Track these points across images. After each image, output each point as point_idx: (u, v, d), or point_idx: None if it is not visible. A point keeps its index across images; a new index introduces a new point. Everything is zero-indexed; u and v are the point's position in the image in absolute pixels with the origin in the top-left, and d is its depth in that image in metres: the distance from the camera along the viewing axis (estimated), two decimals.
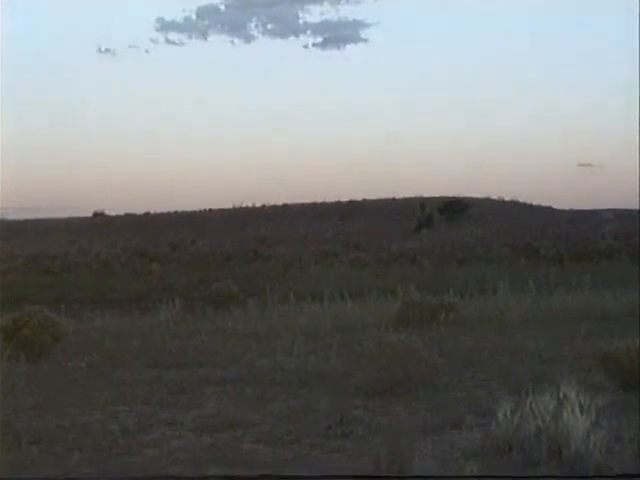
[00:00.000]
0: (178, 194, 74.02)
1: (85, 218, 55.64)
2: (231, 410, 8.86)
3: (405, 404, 8.94)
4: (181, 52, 70.60)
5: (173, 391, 9.93)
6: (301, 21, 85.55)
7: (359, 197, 54.95)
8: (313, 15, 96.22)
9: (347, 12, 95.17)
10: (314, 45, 77.13)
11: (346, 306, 17.62)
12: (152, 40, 69.41)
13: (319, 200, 54.66)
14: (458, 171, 69.39)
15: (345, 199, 54.60)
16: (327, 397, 9.30)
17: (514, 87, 69.56)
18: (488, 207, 49.33)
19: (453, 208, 46.75)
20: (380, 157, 71.85)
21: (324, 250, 36.56)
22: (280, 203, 55.11)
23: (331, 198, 54.86)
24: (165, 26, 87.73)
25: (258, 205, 55.33)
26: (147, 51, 77.77)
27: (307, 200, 54.80)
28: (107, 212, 57.32)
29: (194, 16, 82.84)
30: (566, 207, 48.85)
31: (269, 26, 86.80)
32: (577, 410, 6.85)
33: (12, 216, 54.22)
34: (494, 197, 52.82)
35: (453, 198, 48.74)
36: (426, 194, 51.60)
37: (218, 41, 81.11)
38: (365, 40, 74.47)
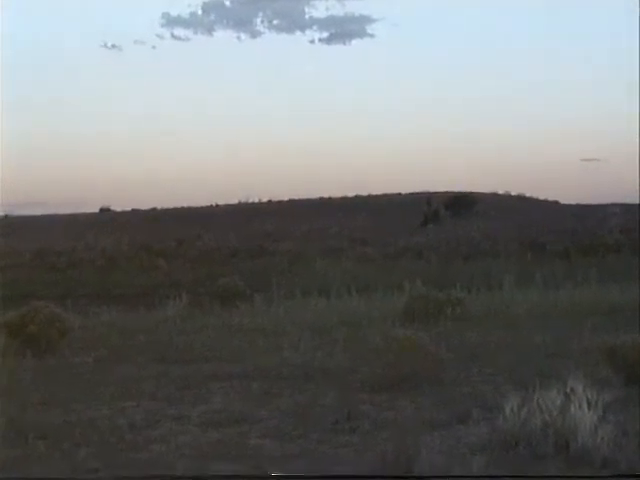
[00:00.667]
0: (184, 190, 74.16)
1: (91, 214, 55.68)
2: (238, 405, 8.87)
3: (412, 399, 8.93)
4: (187, 48, 70.46)
5: (180, 386, 9.94)
6: (307, 16, 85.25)
7: (365, 192, 54.89)
8: (319, 10, 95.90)
9: (353, 7, 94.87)
10: (320, 40, 76.60)
11: (352, 301, 17.60)
12: (158, 36, 69.57)
13: (325, 195, 54.65)
14: (464, 166, 69.28)
15: (351, 194, 54.57)
16: (334, 392, 9.30)
17: (520, 82, 69.35)
18: (494, 202, 49.23)
19: (459, 203, 46.64)
20: (386, 152, 71.70)
21: (330, 245, 36.53)
22: (286, 198, 55.08)
23: (337, 193, 54.84)
24: (171, 21, 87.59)
25: (264, 200, 55.30)
26: (153, 47, 77.57)
27: (313, 195, 54.79)
28: (113, 208, 57.37)
29: (200, 11, 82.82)
30: (572, 202, 48.75)
31: (275, 21, 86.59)
32: (584, 405, 6.84)
33: (18, 212, 54.33)
34: (500, 192, 52.74)
35: (459, 193, 48.63)
36: (432, 189, 51.57)
37: (224, 36, 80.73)
38: (371, 35, 74.20)
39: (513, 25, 70.25)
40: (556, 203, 50.15)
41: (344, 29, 79.32)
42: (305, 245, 37.06)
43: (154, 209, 55.18)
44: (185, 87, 72.12)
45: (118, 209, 56.86)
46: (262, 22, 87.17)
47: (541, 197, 51.56)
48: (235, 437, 7.68)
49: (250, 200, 54.94)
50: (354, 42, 73.34)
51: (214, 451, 7.16)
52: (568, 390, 7.00)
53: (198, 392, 9.66)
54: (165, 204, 55.76)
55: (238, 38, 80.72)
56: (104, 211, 57.12)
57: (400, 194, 53.72)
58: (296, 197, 54.97)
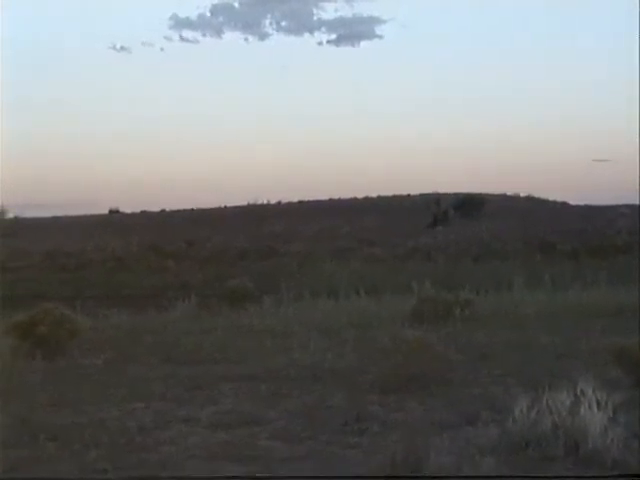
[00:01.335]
0: (193, 191, 74.16)
1: (101, 215, 55.71)
2: (247, 406, 8.87)
3: (421, 400, 8.93)
4: (195, 49, 70.45)
5: (189, 388, 9.95)
6: (315, 18, 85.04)
7: (374, 193, 54.83)
8: (327, 12, 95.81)
9: (362, 8, 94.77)
10: (328, 42, 76.56)
11: (361, 302, 17.61)
12: (166, 37, 69.48)
13: (334, 196, 54.62)
14: (473, 167, 69.15)
15: (360, 195, 54.52)
16: (342, 393, 9.30)
17: (531, 82, 69.24)
18: (503, 203, 49.14)
19: (468, 204, 46.55)
20: (395, 153, 71.63)
21: (339, 246, 36.51)
22: (295, 200, 55.06)
23: (346, 194, 54.81)
24: (179, 23, 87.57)
25: (273, 202, 55.29)
26: (161, 48, 77.59)
27: (322, 197, 54.76)
28: (122, 209, 57.39)
29: (208, 13, 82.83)
30: (581, 203, 48.57)
31: (283, 23, 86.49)
32: (594, 406, 6.83)
33: (28, 213, 54.42)
34: (509, 193, 52.63)
35: (468, 194, 48.53)
36: (441, 190, 51.44)
37: (232, 38, 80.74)
38: (380, 36, 74.05)
39: (523, 25, 70.09)
40: (565, 204, 50.02)
41: (353, 30, 79.10)
42: (314, 246, 37.05)
43: (163, 210, 55.21)
44: (193, 89, 72.17)
45: (127, 210, 56.91)
46: (270, 24, 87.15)
47: (550, 198, 51.44)
48: (244, 438, 7.68)
49: (259, 201, 54.94)
50: (363, 43, 73.32)
51: (223, 452, 7.17)
52: (578, 391, 6.99)
53: (207, 393, 9.67)
54: (174, 205, 55.84)
55: (246, 40, 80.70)
56: (113, 212, 57.17)
57: (409, 195, 53.64)
58: (305, 198, 54.95)
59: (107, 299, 23.36)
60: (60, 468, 6.81)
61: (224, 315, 17.10)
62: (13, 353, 11.93)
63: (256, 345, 12.93)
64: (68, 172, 68.01)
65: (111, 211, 57.38)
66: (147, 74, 70.99)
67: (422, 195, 52.24)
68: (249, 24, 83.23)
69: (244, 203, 54.98)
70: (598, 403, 6.85)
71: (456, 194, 48.90)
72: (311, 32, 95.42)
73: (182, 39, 72.12)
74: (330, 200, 54.01)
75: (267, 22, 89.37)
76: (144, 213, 54.58)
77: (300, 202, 54.54)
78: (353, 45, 74.79)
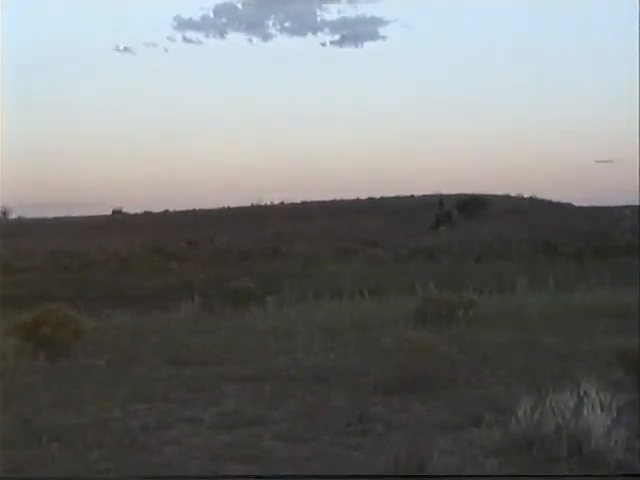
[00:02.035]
0: (196, 192, 74.25)
1: (104, 216, 55.83)
2: (250, 407, 8.87)
3: (424, 401, 8.92)
4: (199, 50, 70.56)
5: (192, 388, 9.95)
6: (319, 19, 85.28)
7: (377, 194, 54.93)
8: (331, 13, 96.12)
9: (365, 9, 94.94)
10: (332, 43, 76.81)
11: (364, 303, 17.60)
12: (169, 38, 69.65)
13: (337, 197, 54.71)
14: (476, 168, 69.20)
15: (363, 196, 54.61)
16: (346, 394, 9.30)
17: (534, 83, 69.26)
18: (507, 204, 49.19)
19: (471, 205, 46.64)
20: (398, 154, 71.68)
21: (342, 247, 36.54)
22: (298, 201, 55.16)
23: (349, 195, 54.91)
24: (182, 24, 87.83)
25: (276, 202, 55.40)
26: (165, 49, 77.68)
27: (325, 198, 54.85)
28: (126, 210, 57.52)
29: (211, 14, 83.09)
30: (585, 204, 48.65)
31: (287, 24, 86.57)
32: (597, 407, 6.82)
33: (31, 214, 54.51)
34: (513, 194, 52.69)
35: (471, 195, 48.61)
36: (444, 191, 51.52)
37: (236, 39, 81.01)
38: (383, 37, 74.24)
39: (525, 26, 70.11)
40: (569, 205, 50.04)
41: (356, 31, 79.24)
42: (317, 247, 37.07)
43: (166, 211, 55.32)
44: (197, 89, 72.24)
45: (131, 211, 57.04)
46: (274, 25, 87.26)
47: (554, 199, 51.48)
48: (247, 439, 7.68)
49: (262, 202, 55.07)
50: (366, 44, 73.55)
51: (226, 453, 7.17)
52: (581, 392, 6.98)
53: (210, 394, 9.66)
54: (177, 206, 55.94)
55: (250, 41, 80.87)
56: (117, 213, 57.27)
57: (412, 196, 53.74)
58: (308, 199, 55.06)
59: (110, 299, 23.38)
60: (63, 468, 6.81)
61: (227, 316, 17.10)
62: (16, 353, 11.93)
63: (259, 346, 12.92)
64: (71, 172, 68.15)
65: (114, 211, 57.49)
66: (150, 75, 71.12)
67: (425, 196, 52.30)
68: (252, 25, 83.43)
69: (247, 204, 55.11)
70: (601, 404, 6.84)
71: (459, 195, 48.98)
72: (314, 33, 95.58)
73: (185, 40, 72.30)
74: (333, 201, 54.11)
75: (270, 23, 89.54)
76: (147, 214, 54.67)
77: (303, 203, 54.65)
78: (356, 46, 74.90)
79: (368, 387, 9.58)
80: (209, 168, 71.82)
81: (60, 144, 67.78)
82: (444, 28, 72.04)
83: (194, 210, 55.06)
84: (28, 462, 7.00)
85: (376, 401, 8.98)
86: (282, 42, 72.18)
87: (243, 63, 75.18)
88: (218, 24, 78.66)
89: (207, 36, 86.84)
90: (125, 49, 75.89)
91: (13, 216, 55.28)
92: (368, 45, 78.64)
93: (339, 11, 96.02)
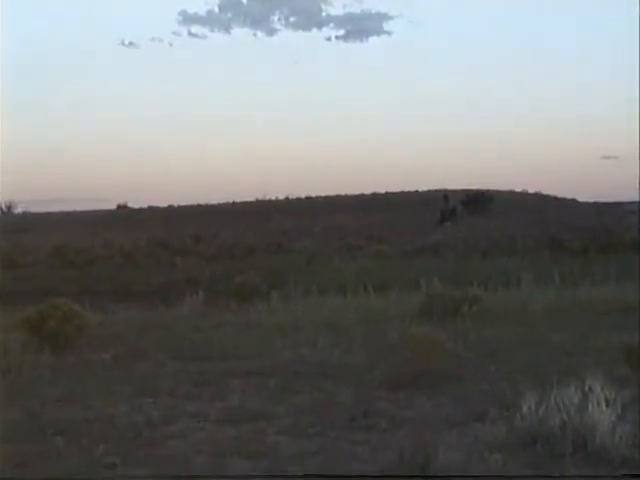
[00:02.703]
0: (201, 187, 74.37)
1: (109, 211, 55.93)
2: (255, 402, 8.87)
3: (429, 397, 8.92)
4: (204, 45, 70.85)
5: (197, 383, 9.96)
6: (324, 13, 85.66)
7: (382, 190, 54.92)
8: (336, 7, 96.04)
9: (370, 4, 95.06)
10: (337, 37, 77.15)
11: (369, 299, 17.59)
12: (175, 33, 69.90)
13: (342, 193, 54.73)
14: (482, 164, 69.21)
15: (368, 192, 54.61)
16: (351, 389, 9.30)
17: (540, 80, 69.25)
18: (512, 199, 49.19)
19: (477, 201, 46.64)
20: (403, 150, 71.73)
21: (347, 243, 36.57)
22: (303, 196, 55.18)
23: (354, 191, 54.96)
24: (188, 19, 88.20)
25: (281, 198, 55.43)
26: (170, 44, 77.82)
27: (330, 193, 54.88)
28: (130, 205, 57.61)
29: (217, 9, 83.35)
30: (590, 199, 48.66)
31: (292, 19, 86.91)
32: (602, 403, 6.82)
33: (36, 209, 54.61)
34: (518, 189, 52.68)
35: (477, 190, 48.60)
36: (450, 187, 51.56)
37: (241, 34, 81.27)
38: (388, 32, 74.48)
39: (531, 23, 70.08)
40: (574, 200, 50.00)
41: (361, 26, 79.53)
42: (322, 242, 37.10)
43: (171, 206, 55.36)
44: (202, 84, 72.35)
45: (135, 206, 57.11)
46: (279, 19, 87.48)
47: (559, 195, 51.45)
48: (252, 434, 7.68)
49: (267, 197, 55.14)
50: (371, 39, 73.68)
51: (231, 448, 7.17)
52: (586, 388, 6.98)
53: (215, 389, 9.67)
54: (182, 201, 56.04)
55: (255, 35, 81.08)
56: (121, 208, 57.34)
57: (417, 192, 53.74)
58: (313, 195, 55.08)
59: (115, 295, 23.41)
60: (68, 463, 6.82)
61: (232, 311, 17.11)
62: (22, 348, 11.95)
63: (264, 341, 12.93)
64: (76, 168, 68.26)
65: (119, 206, 57.56)
66: (156, 69, 71.23)
67: (430, 192, 52.30)
68: (258, 20, 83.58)
69: (252, 199, 55.15)
70: (606, 400, 6.84)
71: (464, 191, 48.95)
72: (319, 28, 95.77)
73: (191, 35, 72.51)
74: (338, 196, 54.12)
75: (275, 18, 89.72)
76: (152, 208, 54.74)
77: (308, 198, 54.65)
78: (361, 41, 75.12)
79: (373, 382, 9.58)
80: (214, 163, 71.96)
81: (65, 139, 67.95)
82: (448, 24, 72.13)
83: (199, 205, 55.15)
84: (33, 456, 7.01)
85: (381, 396, 8.99)
86: (287, 37, 72.40)
87: (248, 58, 75.35)
88: (223, 19, 78.92)
89: (212, 31, 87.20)
90: (130, 44, 76.08)
91: (18, 211, 55.40)
92: (373, 40, 78.95)
93: (344, 6, 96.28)
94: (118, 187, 75.70)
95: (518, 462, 6.48)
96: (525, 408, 7.02)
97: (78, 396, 9.33)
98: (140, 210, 55.43)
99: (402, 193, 53.54)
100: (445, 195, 47.83)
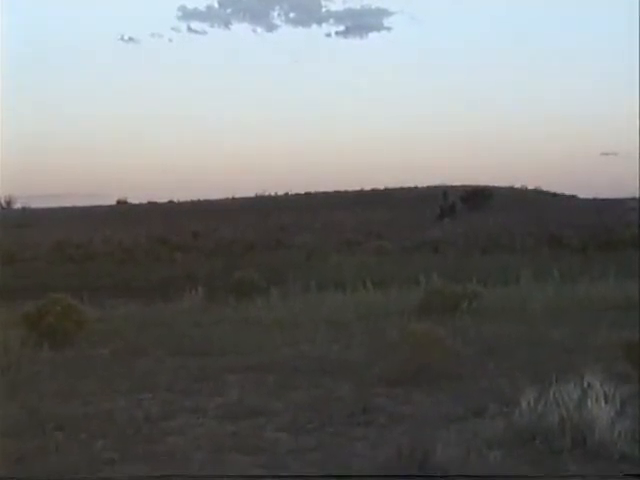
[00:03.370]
0: (201, 182, 74.36)
1: (108, 206, 55.88)
2: (253, 398, 8.87)
3: (428, 393, 8.92)
4: (203, 41, 70.71)
5: (196, 379, 9.96)
6: (324, 9, 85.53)
7: (382, 186, 54.90)
8: (336, 3, 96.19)
9: (370, 0, 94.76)
10: (337, 33, 76.93)
11: (369, 295, 17.59)
12: (174, 29, 69.80)
13: (342, 189, 54.68)
14: (481, 160, 69.20)
15: (368, 188, 54.57)
16: (350, 385, 9.30)
17: (539, 76, 69.21)
18: (511, 196, 49.16)
19: (476, 197, 46.60)
20: (403, 146, 71.69)
21: (347, 239, 36.56)
22: (303, 192, 55.15)
23: (354, 187, 54.90)
24: (187, 15, 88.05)
25: (281, 193, 55.41)
26: (170, 40, 77.73)
27: (330, 189, 54.84)
28: (130, 200, 57.58)
29: (216, 5, 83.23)
30: (590, 196, 48.57)
31: (291, 14, 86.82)
32: (601, 399, 6.81)
33: (36, 204, 54.59)
34: (517, 186, 52.65)
35: (476, 187, 48.56)
36: (449, 183, 51.53)
37: (240, 30, 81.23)
38: (388, 28, 74.27)
39: (531, 19, 70.03)
40: (574, 197, 49.98)
41: (361, 22, 79.40)
42: (321, 239, 37.09)
43: (171, 202, 55.34)
44: (201, 80, 72.29)
45: (135, 202, 57.07)
46: (279, 15, 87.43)
47: (558, 191, 51.42)
48: (251, 430, 7.69)
49: (267, 193, 55.10)
50: (371, 35, 73.52)
51: (230, 443, 7.17)
52: (585, 385, 6.98)
53: (214, 385, 9.67)
54: (182, 197, 55.98)
55: (254, 31, 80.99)
56: (121, 204, 57.31)
57: (416, 187, 53.71)
58: (313, 190, 55.05)
59: (114, 290, 23.42)
60: (67, 458, 6.82)
61: (231, 307, 17.10)
62: (21, 343, 11.94)
63: (263, 337, 12.93)
64: (76, 163, 68.23)
65: (119, 202, 57.53)
66: (155, 65, 71.15)
67: (429, 188, 52.27)
68: (257, 15, 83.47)
69: (252, 195, 55.12)
70: (606, 396, 6.84)
71: (464, 187, 48.92)
72: (319, 24, 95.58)
73: (190, 30, 72.41)
74: (337, 192, 54.07)
75: (275, 14, 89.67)
76: (151, 204, 54.70)
77: (308, 194, 54.62)
78: (361, 37, 75.01)
79: (372, 379, 9.57)
80: (213, 159, 71.92)
81: (64, 134, 67.90)
82: (449, 20, 72.07)
83: (198, 201, 55.11)
84: (32, 451, 7.01)
85: (380, 393, 8.99)
86: (287, 33, 72.36)
87: (248, 54, 75.25)
88: (223, 14, 78.86)
89: (212, 26, 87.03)
90: (130, 39, 76.02)
91: (17, 207, 55.38)
92: (373, 36, 78.80)
93: (344, 2, 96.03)
94: (118, 183, 75.70)
95: (517, 458, 6.48)
96: (524, 404, 7.02)
97: (77, 392, 9.33)
98: (139, 206, 55.38)
99: (401, 189, 53.48)
100: (444, 191, 47.82)
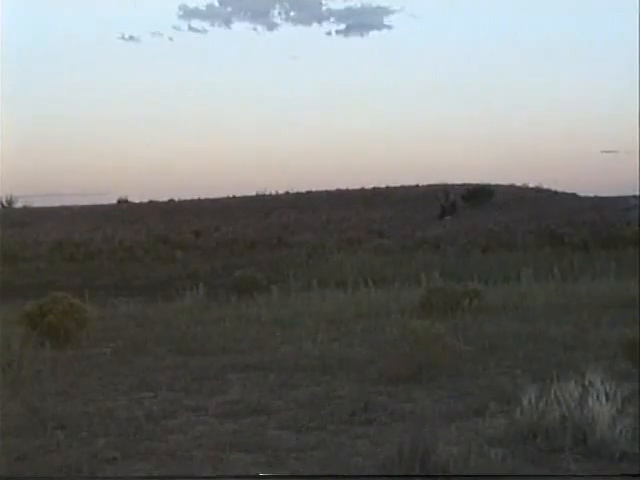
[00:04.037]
0: (202, 181, 74.26)
1: (109, 205, 55.78)
2: (255, 396, 8.87)
3: (429, 391, 8.92)
4: (204, 39, 70.44)
5: (197, 377, 9.96)
6: (324, 8, 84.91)
7: (383, 184, 54.75)
8: (336, 2, 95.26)
9: None
10: (337, 32, 76.45)
11: (370, 293, 17.60)
12: (175, 27, 69.39)
13: (343, 187, 54.58)
14: (482, 158, 69.05)
15: (369, 186, 54.44)
16: (351, 384, 9.30)
17: (539, 74, 69.03)
18: (512, 194, 49.04)
19: (477, 195, 46.49)
20: (403, 144, 71.55)
21: (348, 237, 36.55)
22: (304, 190, 55.06)
23: (355, 185, 54.73)
24: (188, 13, 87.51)
25: (282, 192, 55.31)
26: (170, 38, 77.52)
27: (331, 187, 54.73)
28: (131, 199, 57.44)
29: (217, 3, 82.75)
30: (591, 194, 48.38)
31: (292, 13, 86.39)
32: (602, 397, 6.81)
33: (37, 203, 54.52)
34: (518, 184, 52.49)
35: (477, 185, 48.47)
36: (450, 181, 51.39)
37: (241, 28, 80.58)
38: (389, 27, 73.94)
39: (530, 17, 69.85)
40: (574, 195, 49.88)
41: (361, 21, 78.98)
42: (323, 237, 37.08)
43: (172, 200, 55.25)
44: (202, 79, 72.15)
45: (136, 200, 56.95)
46: (279, 14, 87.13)
47: (559, 189, 51.29)
48: (252, 428, 7.68)
49: (268, 192, 55.00)
50: (372, 34, 73.10)
51: (231, 442, 7.17)
52: (586, 383, 6.97)
53: (215, 383, 9.67)
54: (182, 196, 55.85)
55: (255, 30, 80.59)
56: (122, 202, 57.21)
57: (417, 186, 53.56)
58: (314, 189, 54.95)
59: (116, 289, 23.43)
60: (68, 457, 6.82)
61: (232, 305, 17.13)
62: (22, 342, 11.94)
63: (264, 335, 12.94)
64: (76, 161, 68.09)
65: (120, 201, 57.42)
66: (156, 64, 70.97)
67: (431, 186, 52.18)
68: (258, 14, 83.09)
69: (252, 193, 55.02)
70: (606, 395, 6.83)
71: (465, 185, 48.84)
72: (320, 22, 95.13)
73: (191, 29, 72.05)
74: (338, 191, 53.96)
75: (276, 12, 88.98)
76: (152, 203, 54.59)
77: (309, 192, 54.53)
78: (362, 35, 74.61)
79: (373, 376, 9.58)
80: (214, 157, 71.78)
81: (65, 133, 67.75)
82: (450, 18, 71.83)
83: (199, 199, 55.00)
84: (33, 450, 7.01)
85: (381, 390, 8.99)
86: (287, 31, 72.05)
87: (248, 52, 75.04)
88: (223, 13, 78.61)
89: (212, 25, 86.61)
90: (130, 38, 75.67)
91: (18, 205, 55.32)
92: (374, 34, 78.24)
93: (345, 0, 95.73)
94: (119, 181, 75.47)
95: (518, 456, 6.48)
96: (525, 402, 7.01)
97: (78, 390, 9.34)
98: (140, 204, 55.32)
99: (402, 188, 53.35)
100: (445, 189, 47.76)
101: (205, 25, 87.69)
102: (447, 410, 8.04)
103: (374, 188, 54.03)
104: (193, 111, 72.00)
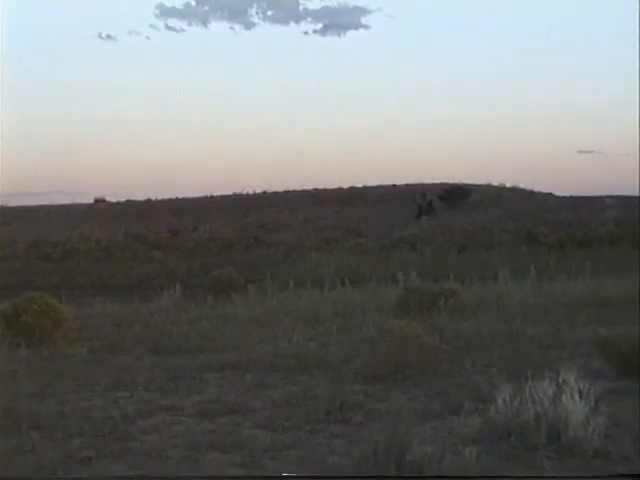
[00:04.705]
0: (179, 181, 74.14)
1: (86, 204, 55.59)
2: (231, 396, 8.87)
3: (405, 390, 8.96)
4: (181, 39, 70.43)
5: (173, 377, 9.94)
6: (301, 7, 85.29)
7: (360, 184, 54.84)
8: (313, 1, 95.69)
9: None
10: (314, 32, 76.83)
11: (346, 292, 17.63)
12: (152, 26, 69.37)
13: (320, 187, 54.60)
14: (459, 158, 69.33)
15: (346, 186, 54.50)
16: (327, 383, 9.31)
17: (515, 73, 69.35)
18: (489, 194, 49.22)
19: (454, 195, 46.64)
20: (380, 144, 71.68)
21: (325, 236, 36.58)
22: (281, 190, 55.06)
23: (332, 185, 54.78)
24: (165, 12, 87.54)
25: (259, 191, 55.28)
26: (148, 37, 77.31)
27: (308, 187, 54.75)
28: (108, 198, 57.28)
29: (194, 2, 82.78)
30: (567, 194, 48.65)
31: (269, 12, 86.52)
32: (576, 395, 6.86)
33: (13, 202, 54.24)
34: (495, 184, 52.69)
35: (454, 185, 48.62)
36: (427, 181, 51.57)
37: (218, 28, 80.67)
38: (366, 26, 74.34)
39: (509, 16, 70.23)
40: (551, 195, 50.12)
41: (339, 20, 79.28)
42: (300, 236, 37.10)
43: (149, 200, 55.11)
44: (180, 78, 72.09)
45: (113, 200, 56.79)
46: (256, 13, 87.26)
47: (536, 189, 51.53)
48: (228, 427, 7.69)
49: (245, 191, 54.95)
50: (349, 33, 73.44)
51: (207, 441, 7.16)
52: (560, 381, 7.02)
53: (192, 383, 9.67)
54: (160, 195, 55.74)
55: (232, 29, 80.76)
56: (99, 202, 57.02)
57: (395, 186, 53.67)
58: (291, 188, 54.96)
59: (92, 288, 23.37)
60: (43, 457, 6.79)
61: (209, 304, 17.10)
62: None
63: (241, 334, 12.94)
64: (54, 161, 67.88)
65: (96, 200, 57.22)
66: (133, 63, 70.87)
67: (408, 185, 52.31)
68: (235, 13, 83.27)
69: (230, 193, 54.96)
70: (580, 393, 6.88)
71: (442, 184, 48.98)
72: (297, 22, 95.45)
73: (168, 28, 71.90)
74: (316, 190, 53.98)
75: (253, 11, 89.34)
76: (130, 202, 54.45)
77: (286, 192, 54.53)
78: (339, 35, 74.96)
79: (349, 376, 9.60)
80: (191, 156, 71.70)
81: (41, 132, 67.47)
82: (427, 18, 72.09)
83: (177, 199, 54.91)
84: (8, 451, 6.98)
85: (357, 390, 9.01)
86: (265, 31, 72.17)
87: (226, 51, 75.03)
88: (201, 12, 78.58)
89: (190, 24, 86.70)
90: (108, 37, 75.51)
91: None
92: (351, 34, 78.58)
93: (321, 0, 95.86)
94: (96, 181, 75.30)
95: (492, 454, 6.51)
96: (500, 401, 7.05)
97: (54, 390, 9.31)
98: (117, 204, 55.15)
99: (379, 187, 53.44)
100: (422, 189, 47.88)
101: (182, 24, 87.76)
102: (423, 409, 8.07)
103: (351, 188, 54.09)
104: (170, 110, 71.91)
